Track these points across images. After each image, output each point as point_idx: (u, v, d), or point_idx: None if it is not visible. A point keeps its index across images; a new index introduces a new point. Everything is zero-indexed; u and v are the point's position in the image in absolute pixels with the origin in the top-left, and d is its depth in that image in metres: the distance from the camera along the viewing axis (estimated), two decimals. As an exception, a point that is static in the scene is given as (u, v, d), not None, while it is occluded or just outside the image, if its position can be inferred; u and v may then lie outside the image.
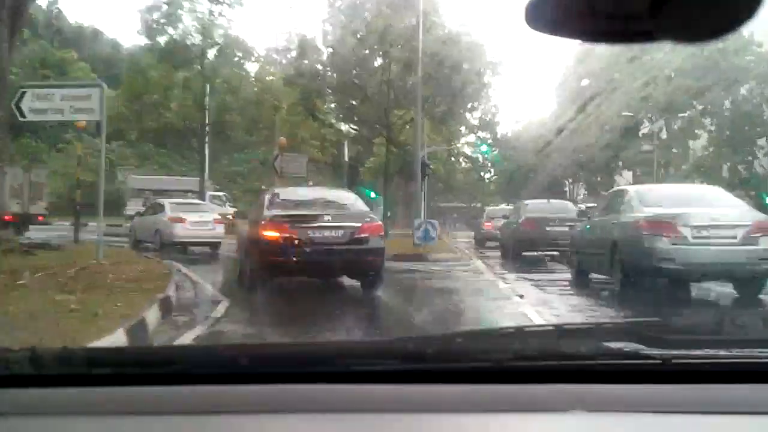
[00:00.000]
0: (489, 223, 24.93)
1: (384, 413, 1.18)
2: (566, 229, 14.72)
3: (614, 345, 1.43)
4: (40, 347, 1.37)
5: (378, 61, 27.65)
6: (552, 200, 19.98)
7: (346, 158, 36.79)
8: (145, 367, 1.34)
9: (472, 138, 41.42)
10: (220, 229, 17.72)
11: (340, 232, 9.05)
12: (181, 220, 17.28)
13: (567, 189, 47.13)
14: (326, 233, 8.98)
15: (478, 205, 46.98)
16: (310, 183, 27.60)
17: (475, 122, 40.95)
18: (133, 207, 35.52)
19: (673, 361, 1.29)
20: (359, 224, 9.15)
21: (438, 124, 31.99)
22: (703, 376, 1.25)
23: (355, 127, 33.08)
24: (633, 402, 1.19)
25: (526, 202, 19.45)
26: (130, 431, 1.16)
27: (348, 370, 1.29)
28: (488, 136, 42.92)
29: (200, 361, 1.39)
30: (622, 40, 0.94)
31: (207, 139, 34.42)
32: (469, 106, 35.25)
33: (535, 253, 17.10)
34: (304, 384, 1.23)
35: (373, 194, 31.55)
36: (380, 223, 9.90)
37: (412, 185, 22.49)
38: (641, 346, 1.39)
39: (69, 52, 52.37)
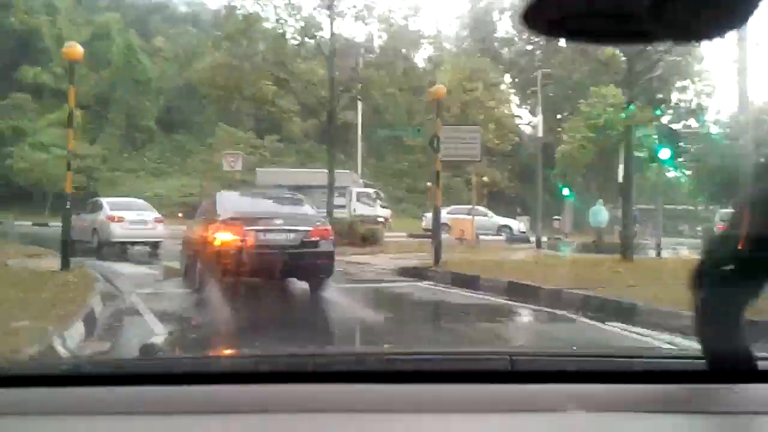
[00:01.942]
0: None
1: (384, 413, 1.18)
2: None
3: (614, 345, 1.50)
4: (40, 347, 1.55)
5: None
6: None
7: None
8: (145, 368, 1.36)
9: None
10: (161, 229, 17.40)
11: (291, 236, 9.23)
12: (119, 219, 16.83)
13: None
14: (277, 236, 9.15)
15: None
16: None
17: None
18: None
19: (673, 361, 1.35)
20: (310, 228, 9.37)
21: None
22: (703, 376, 1.26)
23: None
24: (633, 402, 1.20)
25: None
26: (130, 431, 1.17)
27: (347, 370, 1.31)
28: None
29: (200, 361, 1.42)
30: (621, 41, 0.94)
31: (360, 130, 28.66)
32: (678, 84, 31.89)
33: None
34: (304, 384, 1.25)
35: (566, 191, 27.21)
36: (329, 227, 9.97)
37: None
38: (641, 347, 1.50)
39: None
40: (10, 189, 35.11)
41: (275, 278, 9.92)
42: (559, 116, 36.74)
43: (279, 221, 9.34)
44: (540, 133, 26.45)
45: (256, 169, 33.05)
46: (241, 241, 8.89)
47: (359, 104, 31.34)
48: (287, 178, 31.86)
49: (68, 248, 10.78)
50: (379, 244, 19.05)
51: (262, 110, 28.14)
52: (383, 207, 30.36)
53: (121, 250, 16.50)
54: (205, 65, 24.47)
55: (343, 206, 29.52)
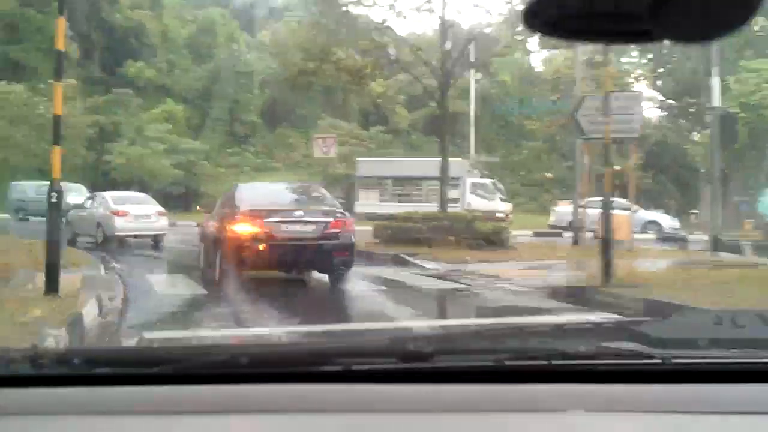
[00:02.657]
0: None
1: (384, 413, 1.20)
2: None
3: (614, 345, 1.45)
4: (40, 347, 1.45)
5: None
6: None
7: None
8: (145, 367, 1.34)
9: None
10: (164, 222, 17.88)
11: (311, 227, 9.26)
12: (123, 213, 17.11)
13: None
14: (297, 228, 9.19)
15: None
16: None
17: None
18: (364, 201, 26.86)
19: (673, 361, 1.31)
20: (330, 220, 9.39)
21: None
22: (703, 376, 1.28)
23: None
24: (633, 402, 1.21)
25: None
26: (130, 431, 1.18)
27: (348, 369, 1.30)
28: None
29: (200, 361, 1.36)
30: (621, 41, 0.96)
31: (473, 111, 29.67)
32: None
33: None
34: (304, 384, 1.26)
35: None
36: (350, 218, 9.98)
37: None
38: (641, 346, 1.42)
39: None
40: (108, 185, 34.80)
41: (295, 271, 10.06)
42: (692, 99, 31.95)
43: (299, 213, 9.41)
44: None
45: (357, 159, 29.92)
46: (261, 233, 8.96)
47: (472, 86, 27.70)
48: (391, 168, 28.83)
49: (57, 256, 7.38)
50: (506, 247, 15.09)
51: (367, 101, 25.28)
52: (503, 200, 26.22)
53: (125, 244, 17.03)
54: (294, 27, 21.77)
55: (456, 200, 25.86)
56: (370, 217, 27.16)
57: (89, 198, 19.19)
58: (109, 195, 18.54)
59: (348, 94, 37.27)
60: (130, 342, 5.72)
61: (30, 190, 26.56)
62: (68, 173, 30.11)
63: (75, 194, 21.17)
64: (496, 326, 5.66)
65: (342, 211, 10.10)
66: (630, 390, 1.24)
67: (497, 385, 1.26)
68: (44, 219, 7.83)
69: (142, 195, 19.72)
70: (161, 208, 18.18)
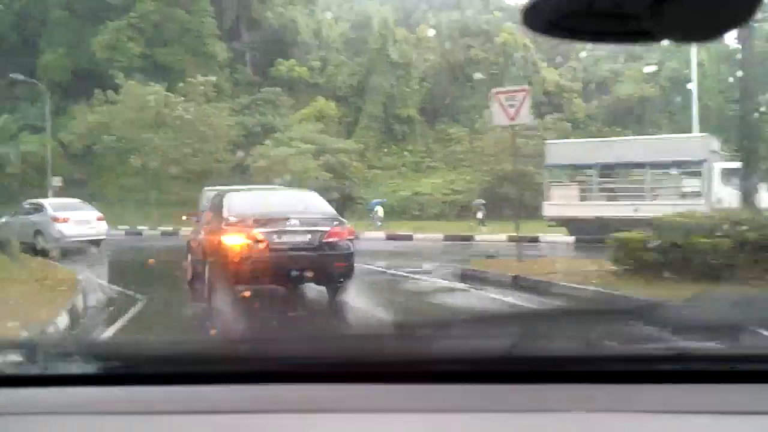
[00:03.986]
0: None
1: (384, 413, 1.22)
2: None
3: (614, 345, 1.49)
4: (40, 347, 1.49)
5: None
6: None
7: None
8: (145, 367, 1.38)
9: None
10: (103, 226, 19.20)
11: (308, 237, 8.99)
12: (64, 220, 18.24)
13: None
14: (293, 238, 8.95)
15: None
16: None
17: None
18: (558, 201, 19.67)
19: (674, 361, 1.33)
20: (327, 228, 9.15)
21: None
22: (704, 376, 1.30)
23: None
24: (633, 402, 1.23)
25: None
26: (130, 431, 1.21)
27: (348, 370, 1.34)
28: None
29: (200, 361, 1.41)
30: (621, 40, 0.97)
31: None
32: None
33: None
34: (305, 384, 1.29)
35: None
36: (348, 226, 9.72)
37: None
38: (641, 347, 1.45)
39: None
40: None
41: (291, 284, 9.87)
42: None
43: (294, 221, 9.04)
44: None
45: (546, 142, 23.28)
46: (253, 244, 8.75)
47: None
48: (596, 152, 20.92)
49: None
50: None
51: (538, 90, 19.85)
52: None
53: (65, 250, 17.71)
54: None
55: (695, 193, 19.20)
56: (575, 229, 20.05)
57: (24, 205, 20.25)
58: (47, 202, 20.36)
59: (514, 83, 31.75)
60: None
61: None
62: (211, 176, 27.72)
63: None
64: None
65: (339, 218, 9.77)
66: (630, 390, 1.27)
67: (497, 385, 1.29)
68: None
69: (77, 202, 20.51)
70: (100, 214, 19.34)
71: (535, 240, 19.54)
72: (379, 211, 28.38)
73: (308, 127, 36.05)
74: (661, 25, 0.85)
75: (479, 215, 26.79)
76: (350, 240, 9.37)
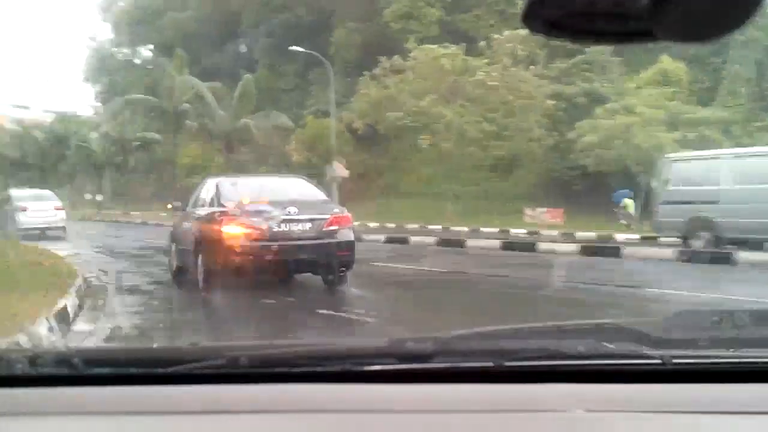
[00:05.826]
0: None
1: (384, 413, 1.24)
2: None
3: (614, 345, 1.50)
4: (40, 347, 1.84)
5: None
6: None
7: None
8: (145, 367, 1.41)
9: None
10: (62, 215, 21.98)
11: (308, 225, 9.00)
12: (23, 209, 21.08)
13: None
14: (293, 227, 8.92)
15: None
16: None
17: None
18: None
19: (673, 361, 1.36)
20: (328, 216, 9.27)
21: None
22: (703, 376, 1.34)
23: None
24: (633, 402, 1.25)
25: None
26: (130, 431, 1.24)
27: (348, 370, 1.37)
28: None
29: (200, 360, 1.40)
30: (621, 41, 0.96)
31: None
32: None
33: None
34: (304, 384, 1.32)
35: None
36: (348, 214, 9.77)
37: None
38: (641, 347, 1.48)
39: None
40: (568, 179, 28.26)
41: (290, 274, 9.93)
42: None
43: (293, 209, 8.94)
44: None
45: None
46: (249, 234, 8.72)
47: None
48: None
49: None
50: None
51: None
52: None
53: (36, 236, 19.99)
54: None
55: None
56: None
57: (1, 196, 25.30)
58: (14, 193, 23.48)
59: None
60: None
61: None
62: (521, 160, 20.82)
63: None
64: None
65: (339, 206, 10.24)
66: (630, 390, 1.29)
67: (497, 385, 1.31)
68: None
69: (45, 192, 23.20)
70: (59, 203, 22.27)
71: None
72: (629, 205, 23.37)
73: (651, 92, 27.85)
74: (662, 25, 0.85)
75: None
76: (351, 227, 9.55)
